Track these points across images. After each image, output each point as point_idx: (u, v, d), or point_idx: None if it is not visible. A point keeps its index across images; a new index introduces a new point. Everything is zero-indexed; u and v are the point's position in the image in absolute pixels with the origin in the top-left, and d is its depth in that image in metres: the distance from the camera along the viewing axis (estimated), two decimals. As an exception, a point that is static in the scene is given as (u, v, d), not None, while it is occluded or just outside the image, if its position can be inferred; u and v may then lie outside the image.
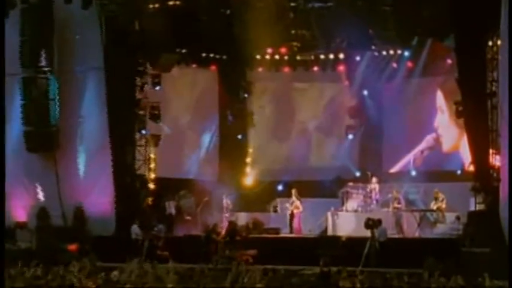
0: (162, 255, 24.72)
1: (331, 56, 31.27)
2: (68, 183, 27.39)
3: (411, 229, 27.42)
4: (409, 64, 30.66)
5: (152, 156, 28.94)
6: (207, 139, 31.69)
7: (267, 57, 31.59)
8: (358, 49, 30.68)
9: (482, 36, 24.44)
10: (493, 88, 24.42)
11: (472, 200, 25.28)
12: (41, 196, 27.75)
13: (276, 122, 32.55)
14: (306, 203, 29.12)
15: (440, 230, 27.03)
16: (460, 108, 25.75)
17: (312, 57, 31.77)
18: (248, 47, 29.24)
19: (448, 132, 30.34)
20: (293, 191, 29.14)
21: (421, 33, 27.82)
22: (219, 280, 17.44)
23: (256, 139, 32.33)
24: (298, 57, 31.79)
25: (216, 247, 25.89)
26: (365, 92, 32.01)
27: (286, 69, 32.29)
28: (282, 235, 28.43)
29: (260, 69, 32.16)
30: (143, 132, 28.57)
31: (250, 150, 32.29)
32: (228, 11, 28.61)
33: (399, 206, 28.13)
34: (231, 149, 31.81)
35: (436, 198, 27.65)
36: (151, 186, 28.83)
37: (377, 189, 28.96)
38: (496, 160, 24.09)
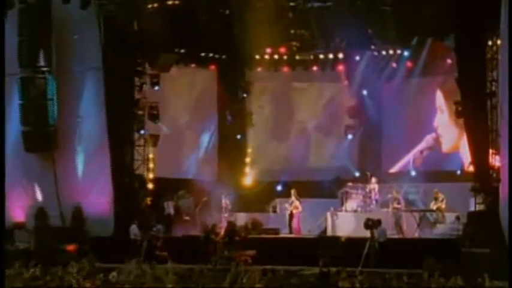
0: (161, 256, 24.69)
1: (331, 56, 31.22)
2: (66, 183, 27.35)
3: (411, 229, 27.38)
4: (409, 64, 30.61)
5: (151, 156, 28.91)
6: (206, 139, 31.64)
7: (266, 57, 31.55)
8: (358, 49, 30.62)
9: (482, 35, 24.44)
10: (493, 88, 24.42)
11: (472, 200, 25.27)
12: (39, 196, 27.72)
13: (275, 122, 32.51)
14: (305, 203, 29.08)
15: (440, 231, 27.00)
16: (460, 108, 25.70)
17: (311, 57, 31.72)
18: (247, 47, 29.17)
19: (447, 132, 30.30)
20: (292, 191, 29.11)
21: (420, 33, 27.75)
22: (218, 280, 17.45)
23: (255, 139, 32.30)
24: (297, 57, 31.75)
25: (214, 247, 25.88)
26: (364, 92, 31.94)
27: (286, 69, 32.24)
28: (281, 235, 28.40)
29: (259, 69, 32.12)
30: (142, 132, 28.54)
31: (249, 150, 32.25)
32: (227, 11, 28.55)
33: (399, 206, 28.10)
34: (230, 149, 31.75)
35: (435, 199, 27.62)
36: (150, 186, 28.79)
37: (376, 189, 28.94)
38: (495, 160, 24.10)
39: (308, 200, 29.36)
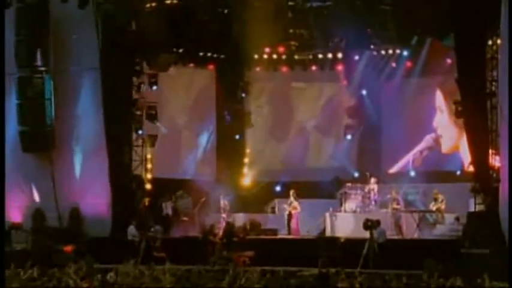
0: (159, 257, 24.54)
1: (330, 56, 31.17)
2: (63, 183, 27.24)
3: (410, 230, 27.30)
4: (408, 64, 30.54)
5: (149, 156, 28.86)
6: (205, 139, 31.57)
7: (265, 56, 31.51)
8: (357, 48, 30.60)
9: (481, 35, 24.39)
10: (493, 88, 24.37)
11: (472, 201, 25.20)
12: (36, 197, 27.62)
13: (274, 122, 32.44)
14: (304, 203, 29.03)
15: (439, 231, 26.93)
16: (460, 108, 25.61)
17: (310, 56, 31.65)
18: (246, 47, 29.10)
19: (447, 133, 30.24)
20: (291, 192, 29.06)
21: (420, 33, 27.77)
22: (216, 281, 17.35)
23: (254, 139, 32.24)
24: (296, 57, 31.70)
25: (213, 248, 25.83)
26: (364, 92, 31.87)
27: (284, 69, 32.20)
28: (279, 236, 28.37)
29: (258, 68, 32.05)
30: (140, 132, 28.48)
31: (248, 151, 32.19)
32: (226, 10, 28.62)
33: (398, 206, 28.05)
34: (228, 149, 31.67)
35: (435, 199, 27.56)
36: (148, 186, 28.74)
37: (376, 189, 28.88)
38: (495, 160, 24.01)
39: (307, 200, 29.30)
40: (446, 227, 26.97)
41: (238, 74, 31.88)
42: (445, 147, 30.53)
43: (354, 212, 28.50)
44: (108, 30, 26.87)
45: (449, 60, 28.15)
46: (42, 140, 26.97)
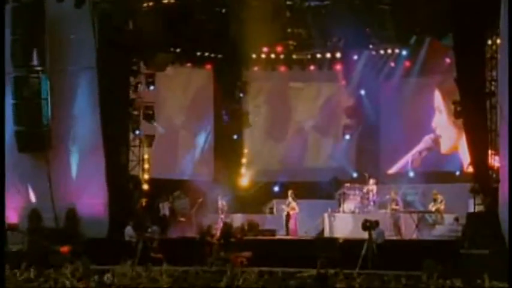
0: (156, 258, 24.45)
1: (328, 55, 31.15)
2: (60, 184, 27.19)
3: (409, 231, 27.20)
4: (407, 63, 30.47)
5: (146, 156, 28.79)
6: (202, 139, 31.51)
7: (263, 56, 31.47)
8: (356, 48, 30.57)
9: (481, 34, 24.32)
10: (492, 87, 24.31)
11: (471, 201, 25.14)
12: (32, 197, 27.59)
13: (272, 122, 32.38)
14: (303, 204, 28.98)
15: (438, 232, 26.85)
16: (459, 108, 25.52)
17: (309, 56, 31.61)
18: (244, 46, 29.07)
19: (446, 133, 30.21)
20: (289, 192, 29.01)
21: (419, 32, 27.71)
22: (213, 282, 17.30)
23: (251, 139, 32.17)
24: (294, 56, 31.68)
25: (210, 249, 25.81)
26: (362, 92, 31.81)
27: (282, 69, 32.16)
28: (278, 237, 28.30)
29: (256, 68, 32.00)
30: (137, 132, 28.41)
31: (246, 151, 32.13)
32: (223, 10, 28.59)
33: (397, 207, 27.98)
34: (226, 150, 31.61)
35: (434, 200, 27.47)
36: (145, 187, 28.67)
37: (374, 190, 28.82)
38: (495, 161, 23.95)
39: (305, 201, 29.23)
40: (445, 227, 26.89)
41: (236, 74, 31.81)
42: (444, 148, 30.48)
43: (353, 212, 28.44)
44: (105, 29, 26.80)
45: (448, 60, 28.09)
46: (39, 140, 26.93)
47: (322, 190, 30.10)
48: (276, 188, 31.20)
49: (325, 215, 28.40)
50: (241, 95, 31.88)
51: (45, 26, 26.65)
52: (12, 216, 27.11)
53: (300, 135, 32.43)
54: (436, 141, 30.55)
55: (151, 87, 28.79)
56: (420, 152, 30.60)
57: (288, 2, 28.27)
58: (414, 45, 29.17)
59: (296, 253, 25.04)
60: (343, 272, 17.90)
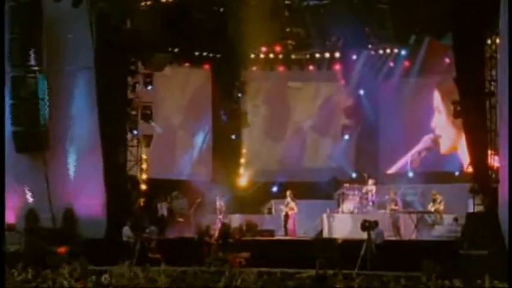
0: (154, 258, 24.38)
1: (327, 55, 31.09)
2: (57, 184, 27.15)
3: (408, 231, 27.13)
4: (406, 63, 30.43)
5: (144, 156, 28.73)
6: (200, 139, 31.45)
7: (262, 56, 31.43)
8: (355, 48, 30.49)
9: (480, 34, 24.24)
10: (492, 87, 24.23)
11: (471, 202, 25.05)
12: (30, 198, 27.56)
13: (270, 122, 32.33)
14: (301, 204, 28.90)
15: (438, 232, 26.79)
16: (458, 108, 25.41)
17: (307, 56, 31.54)
18: (242, 46, 29.05)
19: (445, 133, 30.16)
20: (288, 192, 28.94)
21: (418, 32, 27.63)
22: (212, 283, 17.29)
23: (250, 139, 32.11)
24: (293, 56, 31.61)
25: (208, 249, 25.85)
26: (361, 92, 31.77)
27: (281, 68, 32.10)
28: (276, 237, 28.25)
29: (254, 68, 31.93)
30: (135, 132, 28.33)
31: (244, 151, 32.06)
32: (222, 9, 28.55)
33: (396, 207, 27.91)
34: (224, 150, 31.55)
35: (433, 200, 27.39)
36: (143, 187, 28.59)
37: (373, 190, 28.78)
38: (494, 161, 23.88)
39: (304, 201, 29.15)
40: (444, 228, 26.82)
41: (234, 74, 31.74)
42: (444, 148, 30.43)
43: (352, 213, 28.40)
44: (103, 29, 26.75)
45: (447, 60, 28.06)
46: (36, 140, 26.92)
47: (321, 190, 30.02)
48: (275, 188, 31.14)
49: (324, 215, 28.32)
50: (239, 94, 31.81)
51: (42, 26, 26.67)
52: (9, 216, 27.03)
53: (299, 135, 32.38)
54: (435, 142, 30.51)
55: (149, 87, 28.72)
56: (419, 152, 30.56)
57: (287, 1, 28.24)
58: (413, 44, 29.09)
59: (295, 253, 25.00)
60: (342, 273, 17.94)
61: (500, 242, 22.17)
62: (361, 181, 29.32)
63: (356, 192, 28.80)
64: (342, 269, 18.52)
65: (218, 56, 30.99)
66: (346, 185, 29.22)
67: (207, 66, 31.44)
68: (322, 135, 32.37)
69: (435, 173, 29.87)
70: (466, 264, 22.14)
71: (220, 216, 28.64)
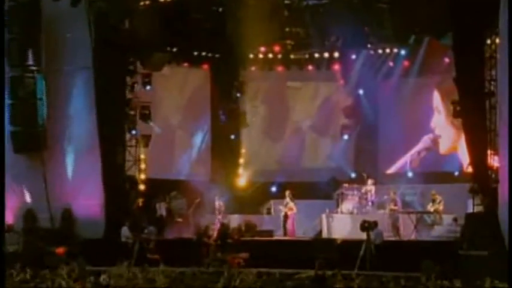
0: (153, 258, 24.36)
1: (326, 55, 31.06)
2: (56, 184, 27.06)
3: (408, 231, 27.13)
4: (406, 63, 30.44)
5: (142, 156, 28.70)
6: (199, 139, 31.42)
7: (260, 55, 31.42)
8: (354, 47, 30.46)
9: (480, 34, 24.21)
10: (492, 87, 24.19)
11: (470, 202, 25.03)
12: (28, 198, 27.45)
13: (269, 122, 32.30)
14: (300, 204, 28.87)
15: (437, 232, 26.78)
16: (458, 108, 25.38)
17: (307, 55, 31.52)
18: (241, 46, 29.01)
19: (445, 133, 30.17)
20: (287, 193, 28.91)
21: (418, 31, 27.65)
22: (211, 283, 17.26)
23: (249, 139, 32.09)
24: (292, 56, 31.59)
25: (207, 250, 25.77)
26: (360, 91, 31.76)
27: (280, 68, 32.07)
28: (275, 238, 28.21)
29: (253, 68, 31.91)
30: (133, 132, 28.30)
31: (243, 151, 32.03)
32: (221, 9, 28.52)
33: (396, 207, 27.91)
34: (223, 150, 31.51)
35: (433, 200, 27.39)
36: (142, 187, 28.56)
37: (373, 190, 28.78)
38: (494, 161, 23.84)
39: (303, 201, 29.13)
40: (444, 228, 26.81)
41: (233, 74, 31.70)
42: (443, 148, 30.42)
43: (351, 213, 28.37)
44: (101, 28, 26.70)
45: (447, 60, 28.07)
46: (34, 140, 26.83)
47: (320, 190, 30.00)
48: (274, 189, 31.10)
49: (323, 215, 28.31)
50: (238, 94, 31.78)
51: (41, 25, 26.59)
52: (7, 216, 26.90)
53: (298, 135, 32.36)
54: (435, 142, 30.50)
55: (148, 87, 28.69)
56: (419, 152, 30.56)
57: (286, 1, 28.24)
58: (413, 44, 29.09)
59: (294, 254, 24.93)
60: (341, 273, 18.00)
61: (500, 243, 22.11)
62: (361, 181, 29.31)
63: (355, 192, 28.77)
64: (341, 269, 18.59)
65: (217, 55, 30.95)
66: (346, 185, 29.23)
67: (205, 66, 31.40)
68: (322, 135, 32.36)
69: (435, 173, 29.86)
70: (466, 265, 22.07)
71: (219, 217, 28.63)
